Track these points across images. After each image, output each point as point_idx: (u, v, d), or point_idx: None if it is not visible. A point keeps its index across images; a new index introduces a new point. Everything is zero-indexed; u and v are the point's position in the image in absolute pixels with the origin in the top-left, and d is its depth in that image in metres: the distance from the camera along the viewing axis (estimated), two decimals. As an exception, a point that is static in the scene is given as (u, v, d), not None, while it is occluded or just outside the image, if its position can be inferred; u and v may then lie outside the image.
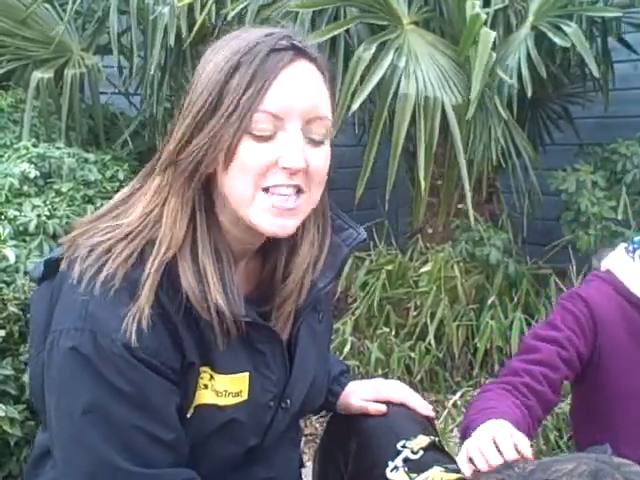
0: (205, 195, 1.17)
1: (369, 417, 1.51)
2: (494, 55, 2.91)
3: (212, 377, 1.19)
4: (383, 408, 1.52)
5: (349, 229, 1.34)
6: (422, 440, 1.41)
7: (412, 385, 3.02)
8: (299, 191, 1.15)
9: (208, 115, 1.12)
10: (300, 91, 1.13)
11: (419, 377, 3.01)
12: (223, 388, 1.19)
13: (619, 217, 3.17)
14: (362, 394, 1.55)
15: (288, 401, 1.30)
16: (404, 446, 1.41)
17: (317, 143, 1.15)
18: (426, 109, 2.85)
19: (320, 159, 1.16)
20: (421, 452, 1.38)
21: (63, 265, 1.15)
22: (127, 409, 1.10)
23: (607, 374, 1.52)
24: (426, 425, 1.51)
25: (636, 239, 1.57)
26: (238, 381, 1.21)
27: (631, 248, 1.57)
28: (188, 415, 1.18)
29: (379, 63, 2.87)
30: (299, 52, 1.14)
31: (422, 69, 2.92)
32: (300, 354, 1.31)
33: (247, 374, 1.22)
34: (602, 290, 1.55)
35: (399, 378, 3.00)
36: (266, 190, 1.13)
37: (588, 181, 3.26)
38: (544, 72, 3.07)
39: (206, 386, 1.19)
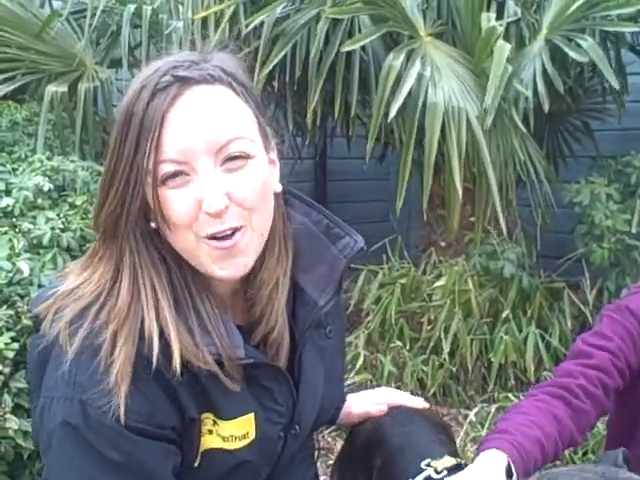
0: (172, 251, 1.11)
1: (394, 434, 1.51)
2: (510, 68, 2.91)
3: (215, 422, 1.14)
4: (384, 407, 1.55)
5: (346, 237, 1.27)
6: (448, 461, 1.39)
7: (425, 399, 2.99)
8: (235, 230, 1.08)
9: (115, 175, 1.07)
10: (194, 126, 1.04)
11: (432, 391, 2.99)
12: (229, 433, 1.15)
13: (633, 230, 3.14)
14: (361, 402, 1.57)
15: (297, 427, 1.26)
16: (428, 465, 1.39)
17: (237, 168, 1.07)
18: (454, 118, 2.84)
19: (246, 184, 1.07)
20: (445, 472, 1.35)
21: (49, 326, 1.10)
22: (120, 479, 1.06)
23: None
24: (453, 447, 1.51)
25: None
26: (244, 424, 1.16)
27: None
28: (196, 464, 1.14)
29: (407, 72, 2.86)
30: (186, 82, 1.06)
31: (444, 79, 2.92)
32: (306, 377, 1.26)
33: (252, 414, 1.17)
34: None
35: (412, 392, 2.98)
36: (205, 237, 1.07)
37: (602, 194, 3.24)
38: (561, 86, 3.06)
39: (210, 431, 1.14)
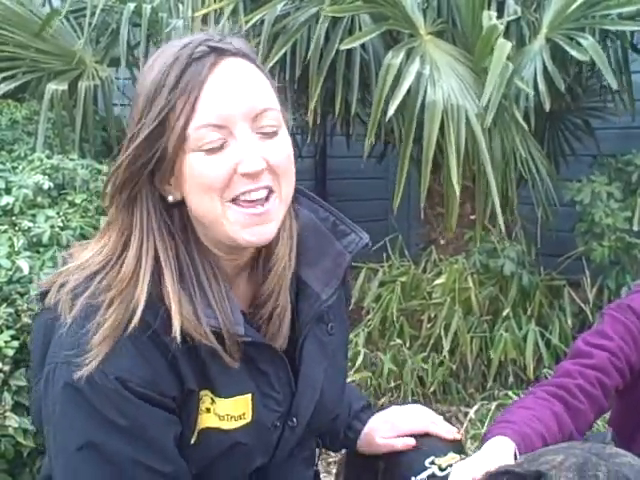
0: (181, 221, 1.14)
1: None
2: (511, 66, 2.91)
3: (213, 401, 1.16)
4: (412, 442, 1.49)
5: (351, 234, 1.30)
6: (452, 457, 1.39)
7: (425, 397, 3.01)
8: (270, 192, 1.11)
9: (151, 142, 1.09)
10: (234, 92, 1.09)
11: (432, 389, 2.99)
12: (225, 412, 1.16)
13: (634, 228, 3.14)
14: (384, 432, 1.51)
15: (295, 419, 1.26)
16: (433, 462, 1.39)
17: (271, 135, 1.12)
18: (452, 116, 2.84)
19: (279, 151, 1.12)
20: (449, 469, 1.34)
21: (54, 298, 1.13)
22: (123, 443, 1.08)
23: None
24: (457, 444, 1.50)
25: None
26: (240, 403, 1.18)
27: None
28: (192, 441, 1.16)
29: (407, 70, 2.86)
30: (221, 52, 1.10)
31: (444, 77, 2.92)
32: (305, 369, 1.26)
33: (249, 395, 1.18)
34: None
35: (412, 390, 2.99)
36: (234, 201, 1.10)
37: (603, 192, 3.24)
38: (562, 85, 3.06)
39: (208, 410, 1.16)
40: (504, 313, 3.04)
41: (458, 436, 1.52)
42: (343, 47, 2.86)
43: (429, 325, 3.06)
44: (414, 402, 2.54)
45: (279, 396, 1.23)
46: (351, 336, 3.10)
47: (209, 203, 1.10)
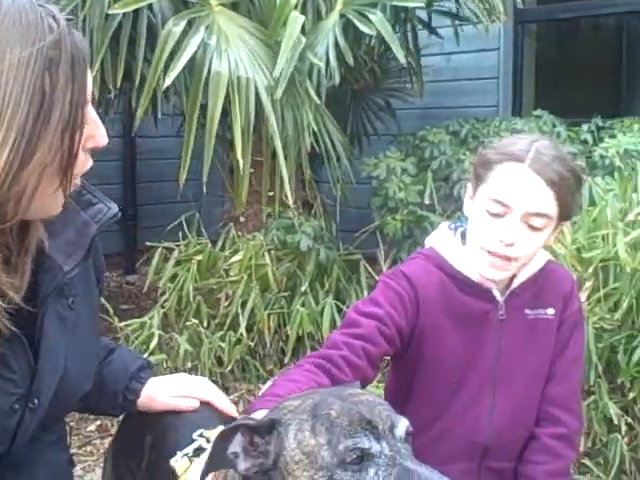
0: None
1: (167, 415, 1.43)
2: (303, 39, 2.90)
3: None
4: (196, 403, 1.43)
5: (99, 204, 1.24)
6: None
7: (223, 376, 2.96)
8: None
9: (37, 129, 0.96)
10: None
11: (230, 367, 2.94)
12: None
13: (426, 202, 3.24)
14: (167, 391, 1.45)
15: (36, 400, 1.17)
16: (201, 435, 1.33)
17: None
18: (240, 89, 2.77)
19: None
20: None
21: None
22: None
23: (426, 351, 1.50)
24: (230, 418, 1.43)
25: (460, 222, 1.57)
26: None
27: (453, 226, 1.57)
28: None
29: (190, 40, 2.77)
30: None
31: (233, 49, 2.85)
32: (45, 347, 1.18)
33: None
34: (424, 267, 1.53)
35: (209, 370, 2.93)
36: None
37: (398, 168, 3.32)
38: (351, 59, 3.09)
39: None
40: (302, 289, 3.04)
41: (236, 414, 1.48)
42: (111, 12, 2.72)
43: (226, 303, 3.01)
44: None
45: (16, 377, 1.13)
46: (145, 318, 2.99)
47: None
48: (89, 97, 1.02)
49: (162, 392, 1.46)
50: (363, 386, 1.49)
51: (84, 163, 1.05)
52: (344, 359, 1.41)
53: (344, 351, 1.42)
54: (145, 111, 3.66)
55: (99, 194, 1.25)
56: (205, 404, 1.46)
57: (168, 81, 2.63)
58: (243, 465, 1.09)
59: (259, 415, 1.23)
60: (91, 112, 1.04)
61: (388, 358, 1.60)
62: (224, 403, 1.48)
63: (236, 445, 1.09)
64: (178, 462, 1.32)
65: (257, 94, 2.77)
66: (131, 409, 1.47)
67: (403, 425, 1.09)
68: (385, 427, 1.07)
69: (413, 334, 1.50)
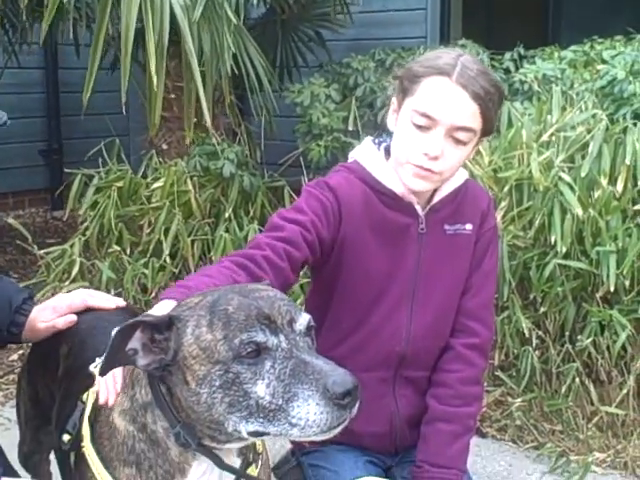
0: None
1: (84, 321, 1.46)
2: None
3: None
4: (73, 318, 1.46)
5: None
6: None
7: (147, 303, 2.95)
8: None
9: None
10: None
11: (154, 294, 2.92)
12: None
13: (350, 128, 3.24)
14: (44, 316, 1.48)
15: None
16: None
17: None
18: (153, 6, 2.69)
19: None
20: None
21: None
22: None
23: (347, 262, 1.52)
24: (127, 310, 1.47)
25: (384, 137, 1.57)
26: None
27: (377, 141, 1.57)
28: None
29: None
30: None
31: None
32: None
33: None
34: (348, 179, 1.53)
35: (133, 297, 2.91)
36: None
37: (322, 94, 3.31)
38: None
39: None
40: (225, 215, 3.03)
41: (122, 303, 1.50)
42: None
43: (149, 230, 2.98)
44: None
45: None
46: (66, 246, 2.95)
47: None
48: None
49: (41, 318, 1.49)
50: (284, 291, 1.51)
51: None
52: (265, 259, 1.41)
53: (266, 251, 1.42)
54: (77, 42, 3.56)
55: None
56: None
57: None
58: (142, 361, 1.10)
59: (159, 311, 1.23)
60: None
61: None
62: (106, 302, 1.51)
63: (135, 342, 1.10)
64: (98, 367, 1.32)
65: (172, 14, 2.70)
66: (17, 341, 1.51)
67: (304, 320, 1.11)
68: (284, 321, 1.09)
69: (334, 244, 1.52)
